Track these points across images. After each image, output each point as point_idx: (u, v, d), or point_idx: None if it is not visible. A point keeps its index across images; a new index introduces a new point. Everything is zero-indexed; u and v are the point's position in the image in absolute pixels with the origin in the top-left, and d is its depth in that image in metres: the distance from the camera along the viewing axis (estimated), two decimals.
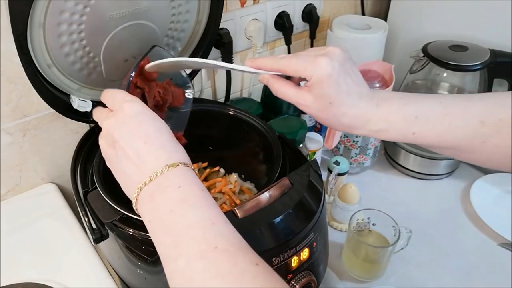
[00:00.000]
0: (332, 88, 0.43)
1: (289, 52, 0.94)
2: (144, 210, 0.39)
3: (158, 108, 0.55)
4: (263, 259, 0.34)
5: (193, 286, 0.32)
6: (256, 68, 0.46)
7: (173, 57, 0.58)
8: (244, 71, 0.48)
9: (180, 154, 0.40)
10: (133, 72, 0.51)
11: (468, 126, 0.43)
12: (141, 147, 0.39)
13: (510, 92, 0.44)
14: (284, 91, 0.45)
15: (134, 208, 0.40)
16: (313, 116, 0.46)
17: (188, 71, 0.69)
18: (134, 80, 0.51)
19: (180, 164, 0.39)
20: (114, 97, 0.44)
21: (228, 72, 0.85)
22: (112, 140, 0.41)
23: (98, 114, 0.47)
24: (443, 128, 0.44)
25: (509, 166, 0.43)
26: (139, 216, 0.47)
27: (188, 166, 0.40)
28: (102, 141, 0.43)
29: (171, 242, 0.35)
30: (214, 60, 0.52)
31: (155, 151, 0.39)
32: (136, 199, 0.39)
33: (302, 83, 0.47)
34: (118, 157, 0.40)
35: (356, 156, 0.89)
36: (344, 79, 0.43)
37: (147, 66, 0.51)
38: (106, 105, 0.46)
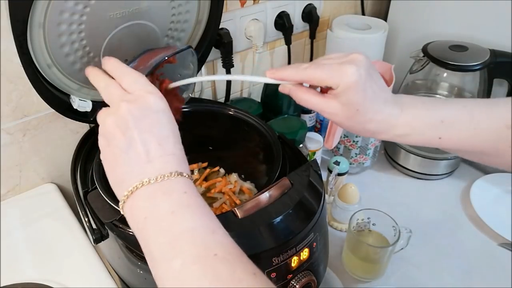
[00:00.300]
0: (359, 95, 0.42)
1: (289, 52, 0.94)
2: (140, 206, 0.37)
3: None
4: (263, 259, 0.34)
5: None
6: (277, 79, 0.45)
7: (196, 61, 0.57)
8: (265, 83, 0.47)
9: (186, 165, 0.40)
10: (156, 65, 0.48)
11: (493, 130, 0.43)
12: (153, 147, 0.38)
13: None
14: (307, 99, 0.45)
15: (122, 201, 0.38)
16: (338, 123, 0.45)
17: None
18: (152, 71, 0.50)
19: (186, 175, 0.39)
20: (136, 80, 0.42)
21: (228, 72, 0.85)
22: (126, 126, 0.39)
23: (106, 85, 0.42)
24: (469, 133, 0.44)
25: None
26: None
27: (192, 180, 0.39)
28: (111, 121, 0.39)
29: (168, 242, 0.35)
30: (228, 74, 0.51)
31: (166, 156, 0.39)
32: (131, 193, 0.37)
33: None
34: (125, 145, 0.38)
35: (356, 156, 0.89)
36: (370, 85, 0.43)
37: (172, 84, 0.49)
38: (118, 81, 0.42)
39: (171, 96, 0.54)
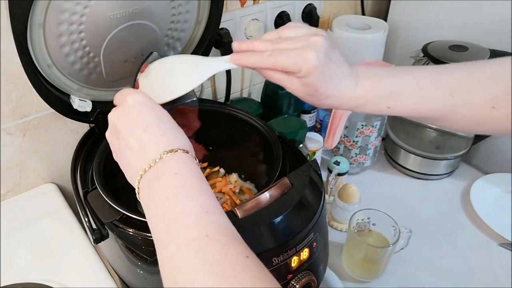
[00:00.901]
0: (317, 77, 0.44)
1: None
2: (144, 197, 0.39)
3: None
4: (263, 259, 0.34)
5: (180, 273, 0.32)
6: (241, 66, 0.47)
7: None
8: (230, 68, 0.48)
9: (180, 140, 0.41)
10: (134, 82, 0.50)
11: (438, 97, 0.46)
12: (142, 135, 0.40)
13: (478, 62, 0.47)
14: (272, 75, 0.47)
15: (138, 197, 0.40)
16: (300, 97, 0.48)
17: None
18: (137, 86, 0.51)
19: (179, 150, 0.39)
20: (119, 94, 0.45)
21: (228, 72, 0.85)
22: (116, 130, 0.42)
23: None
24: (416, 101, 0.47)
25: (477, 131, 0.48)
26: (139, 216, 0.47)
27: (189, 153, 0.40)
28: (108, 133, 0.44)
29: (164, 229, 0.36)
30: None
31: (156, 139, 0.40)
32: (138, 187, 0.39)
33: None
34: (121, 147, 0.41)
35: (356, 156, 0.89)
36: (328, 67, 0.45)
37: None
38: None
39: (179, 112, 0.55)
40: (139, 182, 0.39)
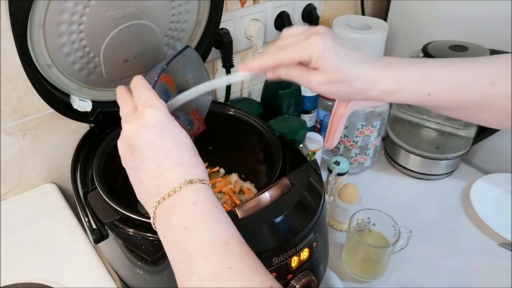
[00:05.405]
0: (333, 58, 0.43)
1: None
2: (160, 225, 0.39)
3: None
4: (263, 259, 0.34)
5: None
6: (250, 71, 0.46)
7: (200, 58, 0.58)
8: (243, 80, 0.48)
9: (197, 169, 0.40)
10: (163, 71, 0.49)
11: (479, 87, 0.44)
12: (160, 160, 0.39)
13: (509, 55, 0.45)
14: (291, 73, 0.45)
15: (152, 222, 0.40)
16: (326, 92, 0.45)
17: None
18: (162, 78, 0.50)
19: (198, 181, 0.38)
20: (140, 95, 0.43)
21: (228, 73, 0.85)
22: (132, 146, 0.40)
23: (122, 105, 0.45)
24: (456, 89, 0.44)
25: (507, 127, 0.46)
26: (139, 216, 0.47)
27: (206, 183, 0.39)
28: (121, 144, 0.42)
29: (185, 260, 0.35)
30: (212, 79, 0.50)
31: (175, 167, 0.39)
32: (154, 213, 0.39)
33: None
34: (136, 165, 0.40)
35: (356, 156, 0.89)
36: (341, 49, 0.43)
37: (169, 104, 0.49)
38: (134, 96, 0.44)
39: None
40: (155, 209, 0.38)
